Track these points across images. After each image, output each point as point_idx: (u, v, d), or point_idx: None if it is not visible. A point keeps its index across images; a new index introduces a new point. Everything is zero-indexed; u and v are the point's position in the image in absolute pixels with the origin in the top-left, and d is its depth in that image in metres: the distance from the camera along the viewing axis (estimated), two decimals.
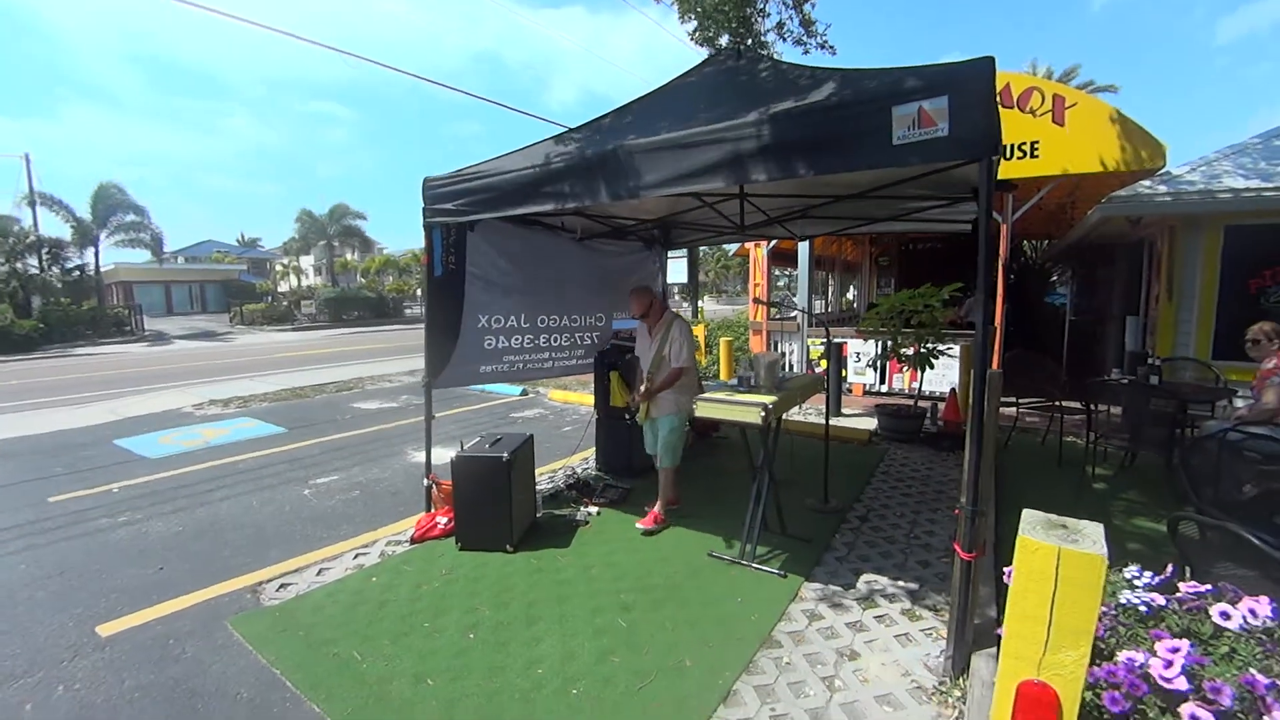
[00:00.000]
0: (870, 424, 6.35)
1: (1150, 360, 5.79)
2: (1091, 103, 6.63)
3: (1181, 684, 0.98)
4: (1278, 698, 0.94)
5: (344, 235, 35.14)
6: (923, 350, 5.66)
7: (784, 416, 3.85)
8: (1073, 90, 6.88)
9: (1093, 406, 4.89)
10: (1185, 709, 0.96)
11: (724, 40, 5.37)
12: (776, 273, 14.19)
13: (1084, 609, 0.78)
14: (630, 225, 5.21)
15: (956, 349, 6.75)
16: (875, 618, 2.90)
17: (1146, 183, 6.67)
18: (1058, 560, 0.78)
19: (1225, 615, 1.11)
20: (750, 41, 5.43)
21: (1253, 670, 1.00)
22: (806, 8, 5.56)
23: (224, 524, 4.22)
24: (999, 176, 6.54)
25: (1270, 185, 6.22)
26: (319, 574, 3.46)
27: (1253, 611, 1.12)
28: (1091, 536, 0.80)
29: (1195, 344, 6.56)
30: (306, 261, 42.83)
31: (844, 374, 7.86)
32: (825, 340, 6.02)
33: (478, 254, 4.29)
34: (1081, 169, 6.37)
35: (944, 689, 2.36)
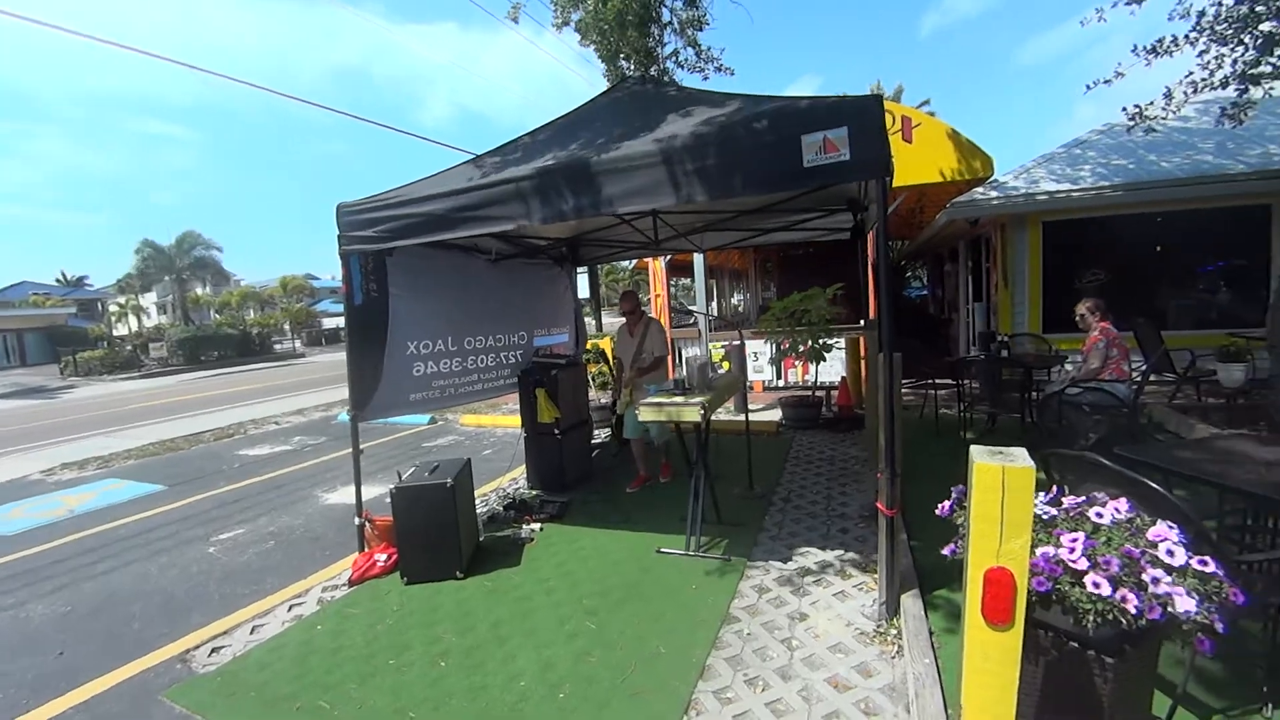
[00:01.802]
0: (776, 415, 6.90)
1: (998, 338, 6.83)
2: (933, 123, 7.69)
3: (1083, 564, 1.34)
4: (1147, 560, 1.33)
5: (195, 268, 31.61)
6: (815, 346, 6.27)
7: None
8: (918, 112, 7.93)
9: (961, 380, 5.70)
10: (1088, 578, 1.32)
11: (627, 67, 5.66)
12: (674, 281, 14.81)
13: (1023, 507, 1.08)
14: (543, 245, 5.34)
15: (843, 342, 7.50)
16: (814, 582, 3.25)
17: (980, 189, 7.84)
18: (1003, 475, 1.07)
19: (1099, 515, 1.50)
20: (655, 69, 5.77)
21: (1127, 544, 1.38)
22: (695, 34, 6.00)
23: (121, 596, 3.78)
24: None
25: (1075, 187, 7.57)
26: (253, 632, 3.23)
27: (1117, 509, 1.52)
28: (1021, 458, 1.10)
29: (1029, 321, 7.80)
30: (149, 299, 37.97)
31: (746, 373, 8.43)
32: (728, 343, 6.48)
33: (400, 279, 4.21)
34: (927, 180, 7.36)
35: (882, 630, 2.73)
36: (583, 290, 11.49)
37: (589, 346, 7.63)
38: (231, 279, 40.70)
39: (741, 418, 5.52)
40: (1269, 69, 5.45)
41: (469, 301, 4.85)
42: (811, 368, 7.46)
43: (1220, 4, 5.48)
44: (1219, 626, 1.31)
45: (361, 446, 4.06)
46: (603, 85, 6.24)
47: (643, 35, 5.38)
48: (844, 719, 2.26)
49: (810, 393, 7.09)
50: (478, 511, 4.61)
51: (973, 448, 1.17)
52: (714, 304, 16.24)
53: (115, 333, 33.07)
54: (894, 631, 2.70)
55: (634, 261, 12.73)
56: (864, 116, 2.33)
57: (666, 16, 5.86)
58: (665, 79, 5.81)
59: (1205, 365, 6.02)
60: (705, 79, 6.62)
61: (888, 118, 7.77)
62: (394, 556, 3.75)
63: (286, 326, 37.61)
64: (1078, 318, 4.91)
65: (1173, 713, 2.00)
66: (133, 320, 35.60)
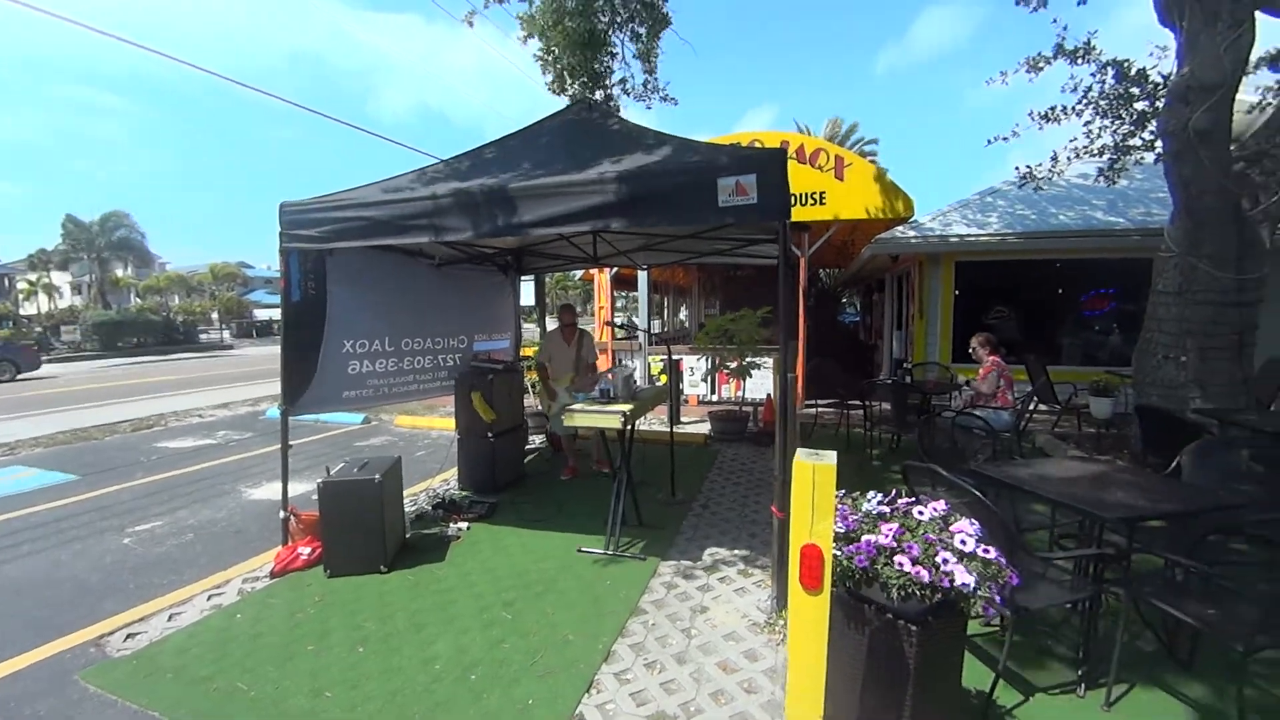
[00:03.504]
0: (705, 428, 7.26)
1: (904, 364, 7.44)
2: (863, 164, 8.33)
3: (892, 544, 1.69)
4: (942, 546, 1.69)
5: (117, 248, 29.75)
6: (743, 364, 6.67)
7: (636, 426, 4.44)
8: (850, 153, 8.57)
9: (867, 402, 6.21)
10: (896, 558, 1.66)
11: (575, 90, 5.93)
12: (618, 294, 15.13)
13: (827, 496, 1.38)
14: (489, 253, 5.53)
15: (770, 361, 7.97)
16: (718, 580, 3.56)
17: (902, 228, 8.52)
18: (814, 471, 1.37)
19: (920, 512, 1.86)
20: (601, 94, 6.06)
21: (928, 534, 1.74)
22: (654, 60, 6.33)
23: (31, 582, 3.71)
24: (797, 219, 7.93)
25: (983, 232, 8.34)
26: (170, 620, 3.27)
27: (935, 509, 1.88)
28: (828, 457, 1.41)
29: (939, 351, 8.51)
30: (63, 278, 35.36)
31: (680, 386, 8.78)
32: (666, 357, 6.81)
33: (340, 278, 4.32)
34: (855, 216, 7.98)
35: (771, 622, 3.05)
36: (530, 298, 11.61)
37: (529, 353, 7.81)
38: (157, 262, 38.43)
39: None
40: (1139, 142, 6.25)
41: (409, 304, 4.98)
42: (742, 384, 7.89)
43: (1103, 83, 6.26)
44: (996, 599, 1.68)
45: (291, 443, 4.12)
46: (552, 93, 6.49)
47: (592, 60, 5.67)
48: (727, 696, 2.55)
49: (739, 407, 7.49)
50: (406, 510, 4.72)
51: (799, 450, 1.47)
52: (659, 319, 16.65)
53: (22, 312, 30.66)
54: (781, 622, 3.03)
55: (582, 272, 12.97)
56: (769, 167, 2.69)
57: (617, 47, 6.19)
58: (611, 104, 6.13)
59: (1084, 399, 6.78)
60: (649, 108, 6.99)
61: (823, 155, 8.47)
62: (318, 550, 3.84)
63: (215, 316, 35.77)
64: (971, 350, 5.48)
65: (994, 685, 2.39)
66: (43, 299, 33.09)
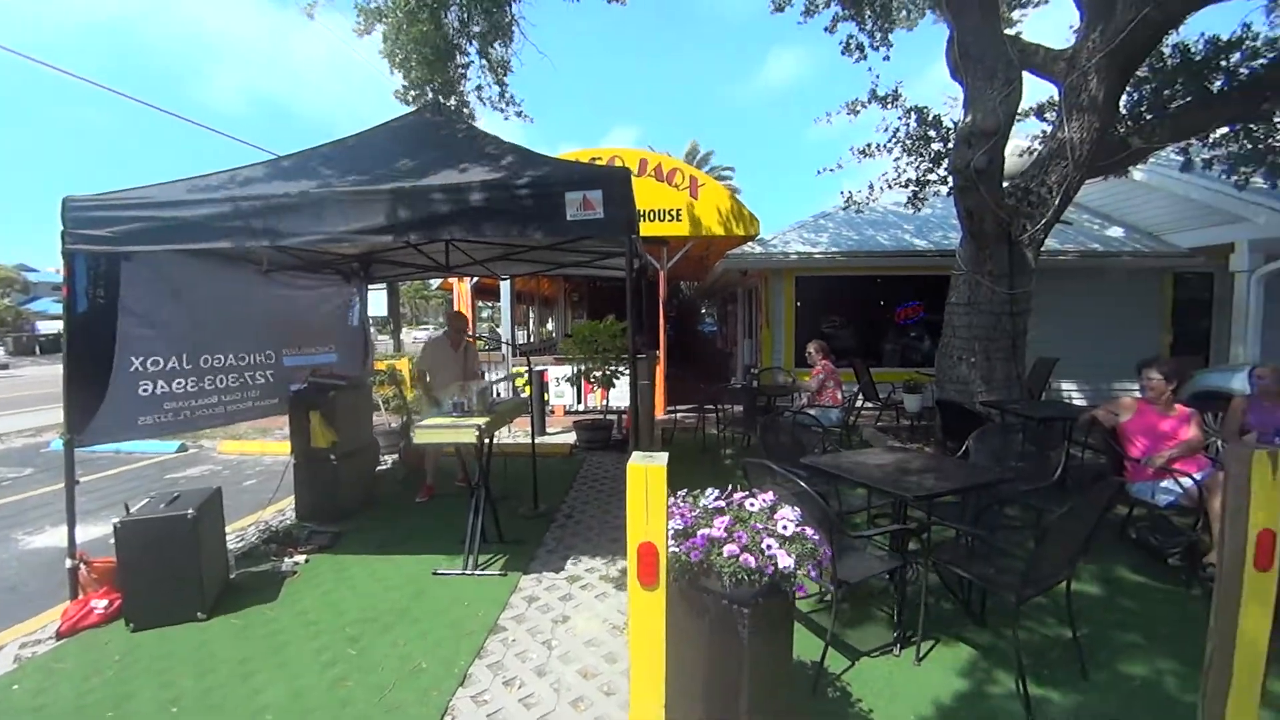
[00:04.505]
0: (571, 438, 7.27)
1: (751, 370, 8.04)
2: (715, 184, 8.89)
3: (723, 535, 1.83)
4: (767, 533, 1.87)
5: None
6: (607, 373, 6.80)
7: (498, 439, 4.34)
8: (703, 174, 9.11)
9: (720, 406, 6.62)
10: (726, 548, 1.80)
11: (427, 95, 5.68)
12: (481, 304, 14.68)
13: (660, 495, 1.47)
14: (328, 259, 5.11)
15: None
16: (581, 588, 3.58)
17: (749, 245, 9.20)
18: (646, 472, 1.46)
19: (751, 504, 2.03)
20: (454, 101, 5.86)
21: (756, 524, 1.92)
22: (502, 75, 6.25)
23: None
24: (656, 233, 8.26)
25: (815, 250, 9.25)
26: None
27: (764, 500, 2.07)
28: (660, 459, 1.51)
29: (784, 357, 9.27)
30: None
31: (546, 397, 8.72)
32: (528, 368, 6.73)
33: (135, 286, 3.73)
34: (709, 233, 8.49)
35: None
36: (382, 307, 10.91)
37: (381, 367, 7.32)
38: None
39: (537, 441, 5.76)
40: (936, 177, 7.33)
41: (220, 316, 4.38)
42: (607, 393, 8.01)
43: (908, 125, 7.26)
44: (811, 575, 1.90)
45: (82, 478, 3.49)
46: (400, 92, 6.16)
47: (443, 66, 5.48)
48: (587, 702, 2.57)
49: (604, 416, 7.60)
50: (232, 547, 4.20)
51: (634, 454, 1.55)
52: (524, 329, 16.40)
53: None
54: None
55: (441, 281, 12.43)
56: (615, 184, 2.79)
57: (471, 55, 6.05)
58: (465, 111, 5.98)
59: (900, 396, 7.76)
60: (506, 119, 6.93)
61: (679, 175, 8.90)
62: (117, 602, 3.28)
63: None
64: (806, 355, 6.05)
65: (824, 654, 2.65)
66: None
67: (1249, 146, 6.32)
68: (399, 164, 3.23)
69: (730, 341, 15.24)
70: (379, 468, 5.97)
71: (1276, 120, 6.19)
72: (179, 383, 4.12)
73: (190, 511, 3.26)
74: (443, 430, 3.66)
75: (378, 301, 10.39)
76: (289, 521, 4.83)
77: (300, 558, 4.08)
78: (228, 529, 4.32)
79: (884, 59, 7.48)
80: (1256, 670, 1.85)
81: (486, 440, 3.82)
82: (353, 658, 2.91)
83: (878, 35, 7.33)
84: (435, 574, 3.78)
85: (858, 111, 7.41)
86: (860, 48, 7.36)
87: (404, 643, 3.04)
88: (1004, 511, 4.13)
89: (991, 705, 2.51)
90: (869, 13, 7.15)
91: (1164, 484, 3.77)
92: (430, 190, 2.88)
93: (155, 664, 2.89)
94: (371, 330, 6.34)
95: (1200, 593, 3.39)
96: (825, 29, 7.40)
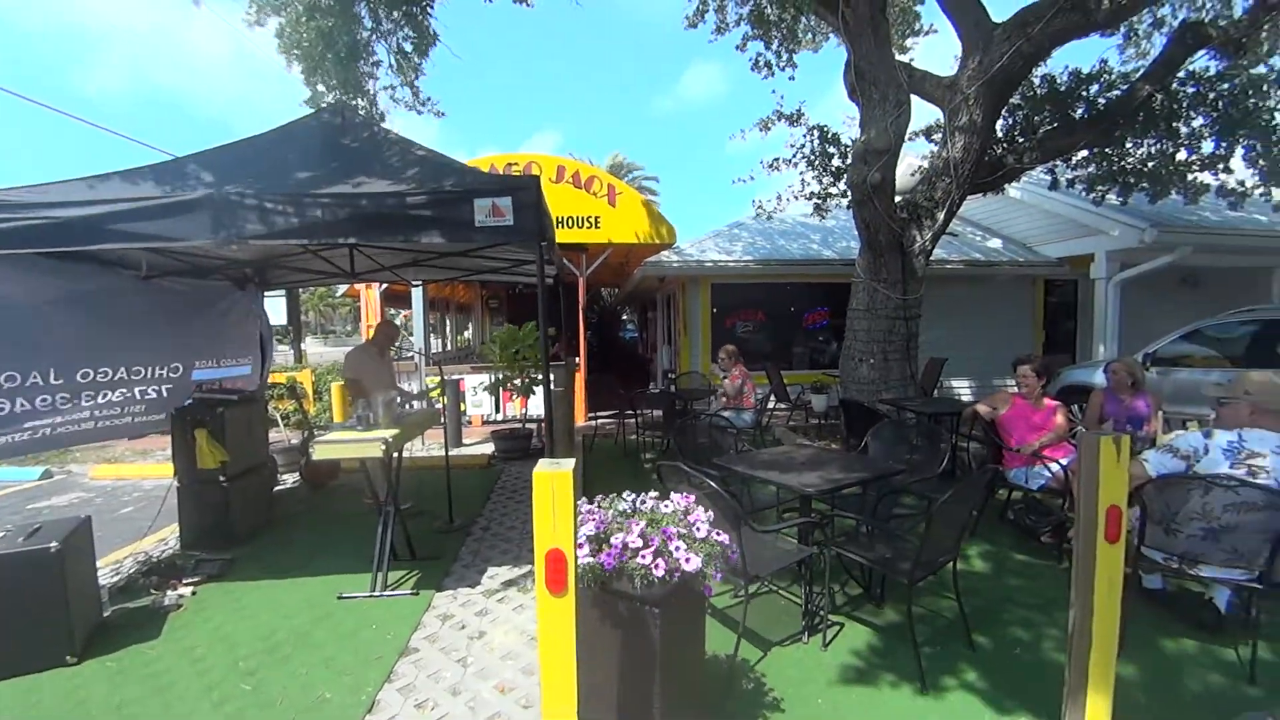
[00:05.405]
0: (489, 448, 7.10)
1: (669, 375, 8.19)
2: (632, 193, 8.99)
3: (638, 543, 1.87)
4: (677, 535, 1.92)
5: None
6: (526, 380, 6.70)
7: (410, 453, 4.18)
8: (621, 182, 9.19)
9: (640, 411, 6.70)
10: (643, 552, 1.83)
11: (331, 96, 5.37)
12: (393, 312, 14.05)
13: (567, 500, 1.48)
14: (217, 264, 4.73)
15: (554, 376, 8.12)
16: (498, 601, 3.50)
17: (667, 253, 9.37)
18: (553, 478, 1.47)
19: (667, 505, 2.08)
20: (363, 101, 5.59)
21: (668, 526, 1.97)
22: (414, 77, 6.02)
23: None
24: (574, 240, 8.26)
25: (729, 258, 9.55)
26: None
27: (679, 502, 2.11)
28: (566, 465, 1.52)
29: (701, 362, 9.50)
30: None
31: (463, 407, 8.47)
32: (440, 378, 6.52)
33: None
34: (627, 239, 8.58)
35: None
36: (281, 315, 10.21)
37: (281, 380, 6.84)
38: None
39: (452, 452, 5.58)
40: (837, 191, 7.78)
41: (93, 325, 3.97)
42: (527, 401, 7.89)
43: (812, 143, 7.67)
44: (717, 576, 1.97)
45: None
46: (302, 92, 5.80)
47: (349, 65, 5.22)
48: (504, 717, 2.51)
49: (522, 425, 7.48)
50: (106, 581, 3.79)
51: (541, 460, 1.54)
52: (439, 338, 15.86)
53: None
54: None
55: (346, 288, 11.80)
56: (524, 191, 2.77)
57: (381, 55, 5.80)
58: (375, 112, 5.73)
59: (809, 396, 8.16)
60: (420, 113, 6.70)
61: (597, 182, 8.94)
62: None
63: None
64: (720, 360, 6.24)
65: (737, 646, 2.74)
66: None
67: (1105, 168, 7.16)
68: (297, 167, 3.05)
69: (651, 347, 15.43)
70: (277, 487, 5.58)
71: (1127, 145, 7.04)
72: (44, 399, 3.69)
73: (54, 544, 2.92)
74: (346, 445, 3.47)
75: (276, 309, 9.72)
76: (172, 551, 4.41)
77: (186, 590, 3.74)
78: (100, 562, 3.92)
79: (790, 79, 7.90)
80: (1112, 629, 2.08)
81: (395, 454, 3.67)
82: (247, 693, 2.70)
83: (784, 55, 7.73)
84: (340, 597, 3.58)
85: (769, 128, 7.77)
86: (769, 65, 7.73)
87: (305, 672, 2.85)
88: (900, 500, 4.42)
89: (890, 678, 2.69)
90: (775, 34, 7.52)
91: (1036, 469, 4.19)
92: (329, 195, 2.74)
93: (22, 716, 2.55)
94: (272, 340, 5.91)
95: (1067, 565, 3.78)
96: (736, 47, 7.71)
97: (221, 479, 4.34)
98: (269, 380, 6.03)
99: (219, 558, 4.15)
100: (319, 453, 3.47)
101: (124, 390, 4.21)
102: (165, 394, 4.52)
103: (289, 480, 6.06)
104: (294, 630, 3.24)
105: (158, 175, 3.08)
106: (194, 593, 3.72)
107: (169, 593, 3.70)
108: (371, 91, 5.81)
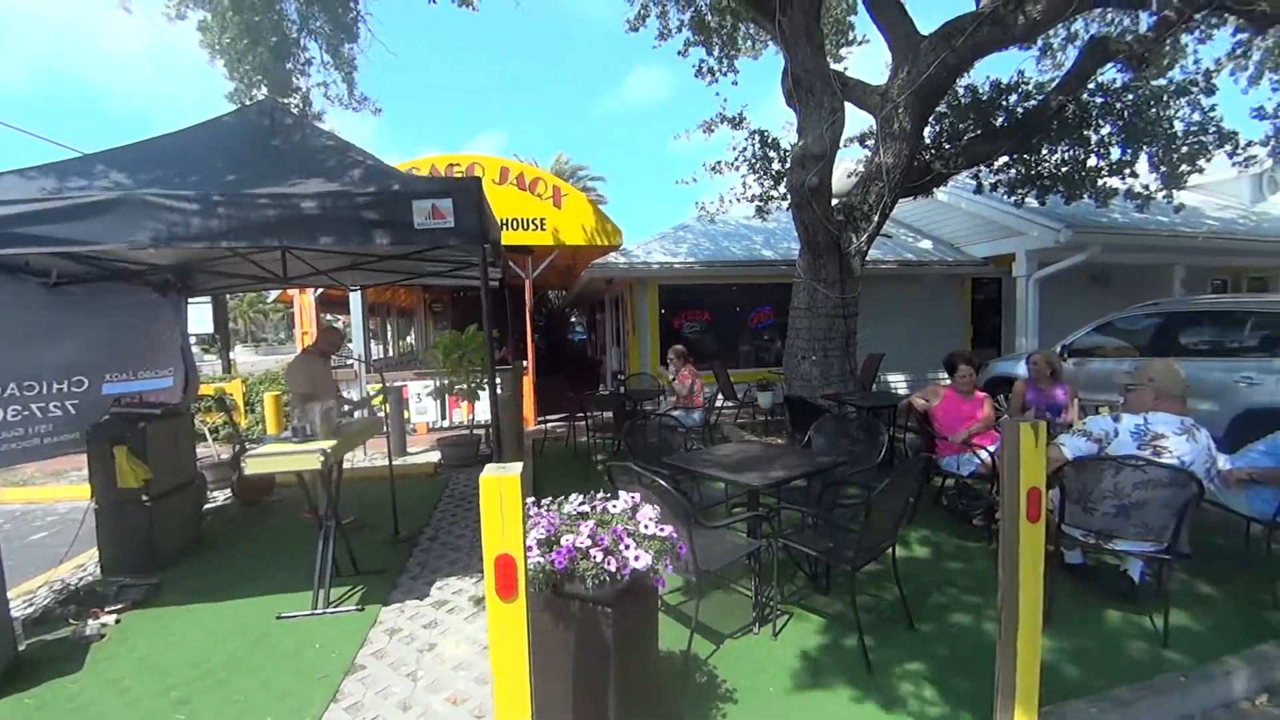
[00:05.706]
0: (435, 456, 6.93)
1: (619, 376, 8.22)
2: (578, 194, 8.97)
3: (588, 543, 1.88)
4: (627, 534, 1.94)
5: None
6: (472, 385, 6.58)
7: (352, 464, 4.04)
8: (566, 184, 9.15)
9: (589, 413, 6.69)
10: (593, 551, 1.85)
11: (260, 93, 5.12)
12: (331, 318, 13.50)
13: (515, 504, 1.47)
14: (135, 269, 4.44)
15: (501, 380, 8.01)
16: (448, 612, 3.43)
17: (614, 255, 9.39)
18: (500, 483, 1.46)
19: (614, 505, 2.10)
20: (296, 99, 5.35)
21: (618, 526, 1.98)
22: (349, 72, 5.82)
23: None
24: (520, 242, 8.17)
25: (675, 260, 9.66)
26: None
27: (627, 501, 2.14)
28: (514, 469, 1.51)
29: (650, 363, 9.57)
30: None
31: (406, 415, 8.23)
32: (382, 385, 6.31)
33: None
34: (573, 241, 8.55)
35: None
36: (207, 323, 9.63)
37: (209, 392, 6.47)
38: None
39: (397, 461, 5.42)
40: (777, 194, 7.99)
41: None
42: (474, 407, 7.74)
43: (753, 147, 7.86)
44: (668, 570, 2.00)
45: None
46: (231, 93, 5.51)
47: (277, 62, 4.99)
48: None
49: (469, 431, 7.34)
50: (19, 614, 3.50)
51: (488, 465, 1.53)
52: (380, 343, 15.36)
53: None
54: None
55: (278, 293, 11.28)
56: (466, 193, 2.73)
57: (313, 51, 5.58)
58: (308, 110, 5.51)
59: (755, 394, 8.35)
60: (356, 110, 6.49)
61: (541, 184, 8.87)
62: None
63: None
64: (668, 361, 6.32)
65: (690, 641, 2.79)
66: None
67: (1024, 172, 7.63)
68: (221, 167, 2.90)
69: (600, 349, 15.42)
70: (207, 505, 5.28)
71: (1044, 152, 7.53)
72: None
73: None
74: (281, 458, 3.33)
75: (202, 317, 9.18)
76: (92, 577, 4.11)
77: (109, 618, 3.49)
78: (13, 593, 3.64)
79: (732, 84, 8.08)
80: (1037, 603, 2.23)
81: (335, 466, 3.54)
82: None
83: (725, 61, 7.89)
84: (280, 617, 3.42)
85: (712, 130, 7.91)
86: (711, 71, 7.88)
87: (243, 698, 2.71)
88: (843, 492, 4.59)
89: (837, 664, 2.79)
90: (716, 40, 7.67)
91: (966, 456, 4.43)
92: (257, 196, 2.62)
93: None
94: (194, 349, 5.57)
95: (996, 545, 4.03)
96: (679, 53, 7.82)
97: (144, 498, 4.08)
98: (195, 393, 5.69)
99: (144, 583, 3.89)
100: (251, 467, 3.31)
101: (17, 408, 3.85)
102: (73, 410, 4.18)
103: (220, 498, 5.74)
104: (229, 655, 3.08)
105: (60, 173, 2.88)
106: (118, 621, 3.48)
107: (90, 622, 3.44)
108: (304, 89, 5.58)
